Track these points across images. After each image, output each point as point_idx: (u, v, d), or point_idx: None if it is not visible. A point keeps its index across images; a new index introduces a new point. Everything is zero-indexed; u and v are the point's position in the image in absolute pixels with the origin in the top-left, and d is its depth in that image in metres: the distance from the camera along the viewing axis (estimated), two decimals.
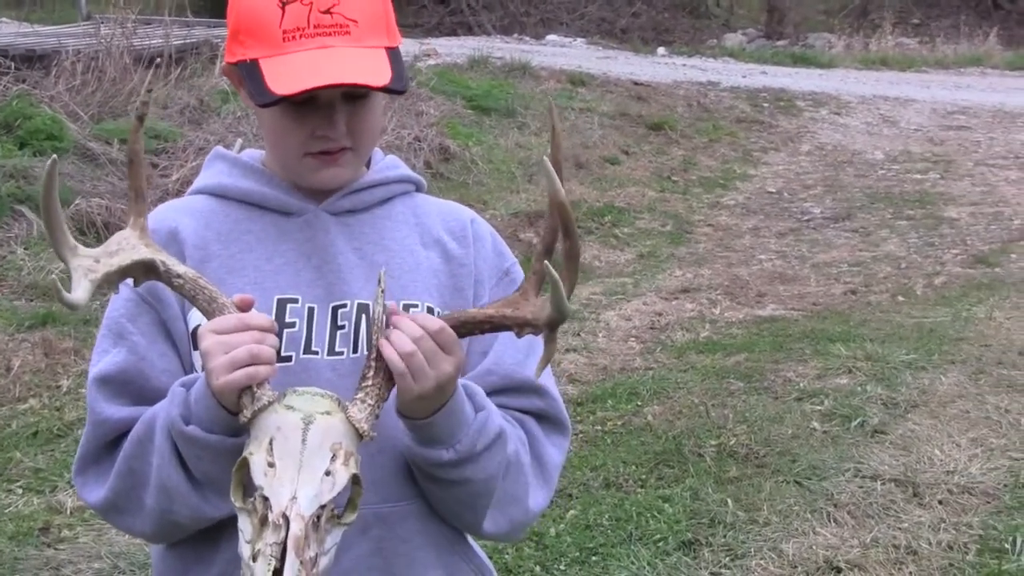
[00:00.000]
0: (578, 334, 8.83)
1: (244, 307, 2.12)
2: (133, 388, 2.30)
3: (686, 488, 6.13)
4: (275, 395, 2.05)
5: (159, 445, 2.19)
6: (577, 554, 5.53)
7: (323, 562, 1.98)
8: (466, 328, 2.18)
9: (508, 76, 17.75)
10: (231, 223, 2.39)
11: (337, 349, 2.33)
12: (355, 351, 2.34)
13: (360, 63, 2.21)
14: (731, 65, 24.38)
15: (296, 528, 1.93)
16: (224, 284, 2.24)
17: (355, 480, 2.03)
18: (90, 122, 11.58)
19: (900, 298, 9.93)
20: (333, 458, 2.00)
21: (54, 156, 2.04)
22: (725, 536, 5.65)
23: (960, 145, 17.45)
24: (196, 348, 2.27)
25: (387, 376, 2.11)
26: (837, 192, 14.76)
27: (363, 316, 2.35)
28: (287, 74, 2.18)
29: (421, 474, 2.29)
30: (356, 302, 2.35)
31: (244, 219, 2.39)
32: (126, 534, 2.44)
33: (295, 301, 2.32)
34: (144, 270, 2.07)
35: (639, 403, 7.35)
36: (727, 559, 5.48)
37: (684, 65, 23.38)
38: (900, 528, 5.69)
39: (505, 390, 2.41)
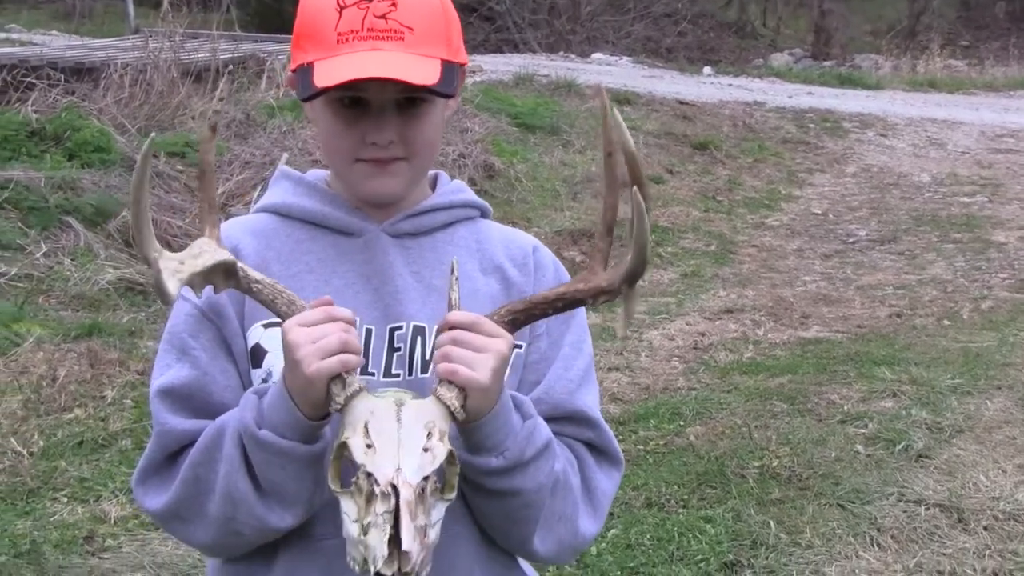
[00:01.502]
0: (621, 353, 8.82)
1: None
2: (196, 402, 2.31)
3: (728, 509, 6.11)
4: (365, 382, 2.08)
5: (228, 452, 2.21)
6: (618, 573, 5.52)
7: (432, 534, 2.01)
8: (539, 309, 2.19)
9: (553, 94, 17.80)
10: (292, 243, 2.41)
11: (393, 371, 2.34)
12: (410, 373, 2.35)
13: (408, 65, 2.21)
14: (777, 85, 24.34)
15: (406, 493, 1.95)
16: None
17: (451, 459, 2.06)
18: (137, 135, 11.67)
19: (946, 322, 9.87)
20: (429, 435, 2.03)
21: (150, 139, 2.03)
22: (767, 558, 5.63)
23: (1008, 168, 17.35)
24: (255, 366, 2.32)
25: None
26: (883, 214, 14.71)
27: (418, 338, 2.36)
28: (333, 72, 2.19)
29: (470, 487, 2.28)
30: (412, 324, 2.36)
31: (305, 239, 2.41)
32: (183, 543, 2.44)
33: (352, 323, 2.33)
34: (225, 273, 2.08)
35: (681, 423, 7.34)
36: None
37: (730, 85, 23.35)
38: (944, 554, 5.65)
39: (556, 419, 2.40)
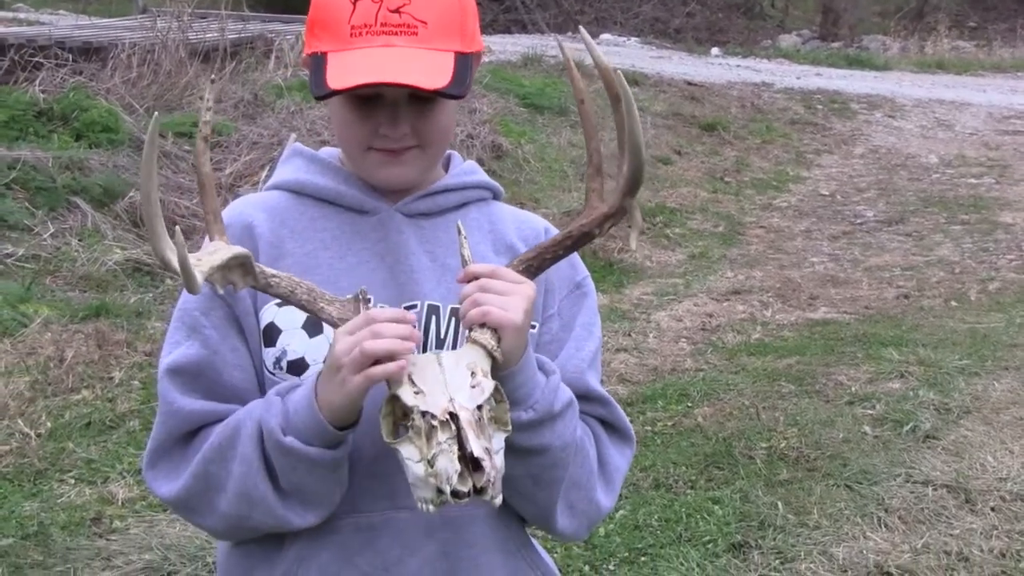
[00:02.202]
0: (629, 334, 8.82)
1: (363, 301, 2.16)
2: (205, 381, 2.30)
3: (736, 490, 6.10)
4: None
5: (245, 453, 2.20)
6: (626, 554, 5.51)
7: (497, 460, 2.03)
8: (550, 252, 2.22)
9: (561, 74, 17.75)
10: (306, 220, 2.40)
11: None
12: (424, 351, 2.32)
13: (419, 64, 2.19)
14: (785, 66, 24.28)
15: (465, 415, 1.99)
16: None
17: (498, 395, 2.08)
18: (145, 115, 11.65)
19: (953, 303, 9.86)
20: (472, 374, 2.06)
21: (153, 122, 2.03)
22: (775, 539, 5.62)
23: (1016, 150, 17.32)
24: (268, 345, 2.32)
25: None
26: (891, 196, 14.68)
27: (433, 317, 2.36)
28: (346, 69, 2.18)
29: None
30: (426, 303, 2.36)
31: (319, 217, 2.40)
32: (193, 527, 2.44)
33: (367, 300, 2.32)
34: (242, 268, 2.07)
35: (689, 404, 7.33)
36: (777, 562, 5.44)
37: (738, 66, 23.31)
38: (951, 534, 5.63)
39: None
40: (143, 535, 5.55)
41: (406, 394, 2.03)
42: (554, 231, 2.54)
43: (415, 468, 2.00)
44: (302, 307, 2.13)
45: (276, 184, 2.48)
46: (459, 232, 2.25)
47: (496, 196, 2.58)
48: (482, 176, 2.55)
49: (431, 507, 2.00)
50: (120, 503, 5.82)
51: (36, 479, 6.04)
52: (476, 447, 1.96)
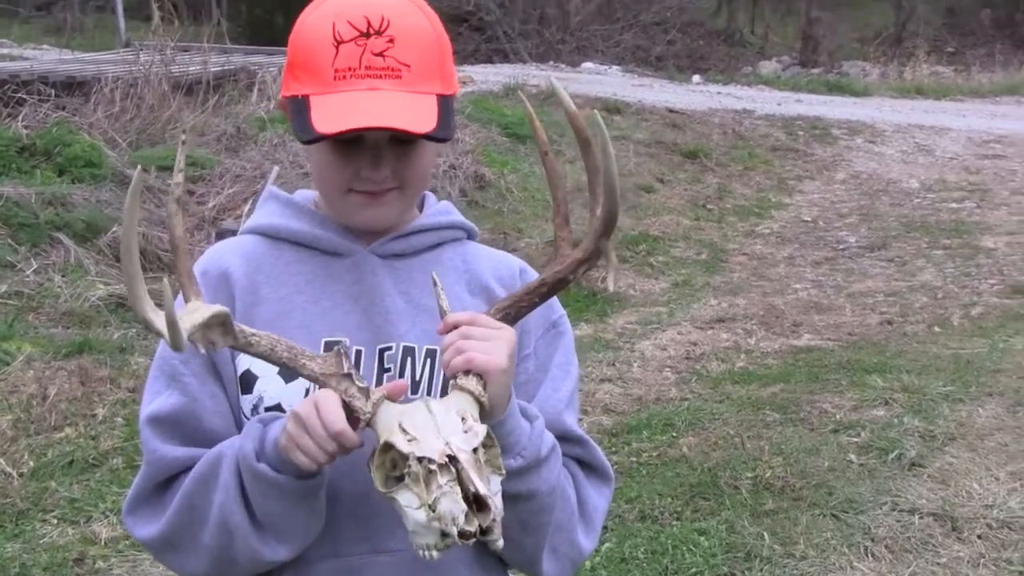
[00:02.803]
0: (613, 364, 8.79)
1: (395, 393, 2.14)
2: (186, 429, 2.31)
3: (722, 521, 6.07)
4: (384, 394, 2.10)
5: (225, 481, 2.21)
6: None
7: (498, 501, 2.02)
8: (526, 300, 2.23)
9: (544, 104, 17.74)
10: (281, 265, 2.40)
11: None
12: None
13: (406, 108, 2.19)
14: (766, 93, 24.35)
15: (464, 457, 1.98)
16: (273, 327, 2.23)
17: (489, 440, 2.07)
18: (128, 149, 11.66)
19: (936, 329, 9.84)
20: (463, 420, 2.05)
21: (136, 177, 2.02)
22: (762, 570, 5.60)
23: (996, 174, 17.36)
24: (245, 392, 2.33)
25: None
26: (872, 221, 14.69)
27: (408, 358, 2.36)
28: (332, 113, 2.18)
29: None
30: (402, 344, 2.37)
31: (294, 261, 2.40)
32: (176, 574, 2.43)
33: (347, 355, 2.29)
34: (222, 327, 2.06)
35: (674, 434, 7.30)
36: None
37: (719, 93, 23.35)
38: (938, 563, 5.61)
39: None
40: (127, 575, 5.50)
41: (399, 441, 2.01)
42: (529, 270, 2.57)
43: (416, 515, 1.98)
44: (283, 365, 2.12)
45: (252, 228, 2.48)
46: (435, 284, 2.24)
47: (470, 236, 2.57)
48: (456, 216, 2.55)
49: (435, 552, 1.99)
50: (103, 543, 5.77)
51: (18, 519, 5.99)
52: (481, 486, 1.96)
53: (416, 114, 2.20)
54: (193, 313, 2.03)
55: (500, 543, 2.00)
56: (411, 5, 2.29)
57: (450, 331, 2.15)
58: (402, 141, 2.26)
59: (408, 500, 1.99)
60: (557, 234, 2.23)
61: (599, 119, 2.08)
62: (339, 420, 2.05)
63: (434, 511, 1.95)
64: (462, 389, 2.09)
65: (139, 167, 2.17)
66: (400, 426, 2.03)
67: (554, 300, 2.50)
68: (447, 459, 1.97)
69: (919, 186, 16.68)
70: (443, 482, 1.95)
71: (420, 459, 1.98)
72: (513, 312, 2.21)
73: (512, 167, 14.39)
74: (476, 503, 1.96)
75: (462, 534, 1.95)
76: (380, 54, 2.20)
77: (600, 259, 2.20)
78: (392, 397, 2.11)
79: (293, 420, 2.09)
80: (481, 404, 2.10)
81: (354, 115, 2.16)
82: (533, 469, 2.26)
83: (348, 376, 2.09)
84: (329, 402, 2.07)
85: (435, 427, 2.02)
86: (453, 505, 1.94)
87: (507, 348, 2.15)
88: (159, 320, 1.97)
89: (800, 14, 41.26)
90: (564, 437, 2.43)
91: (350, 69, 2.20)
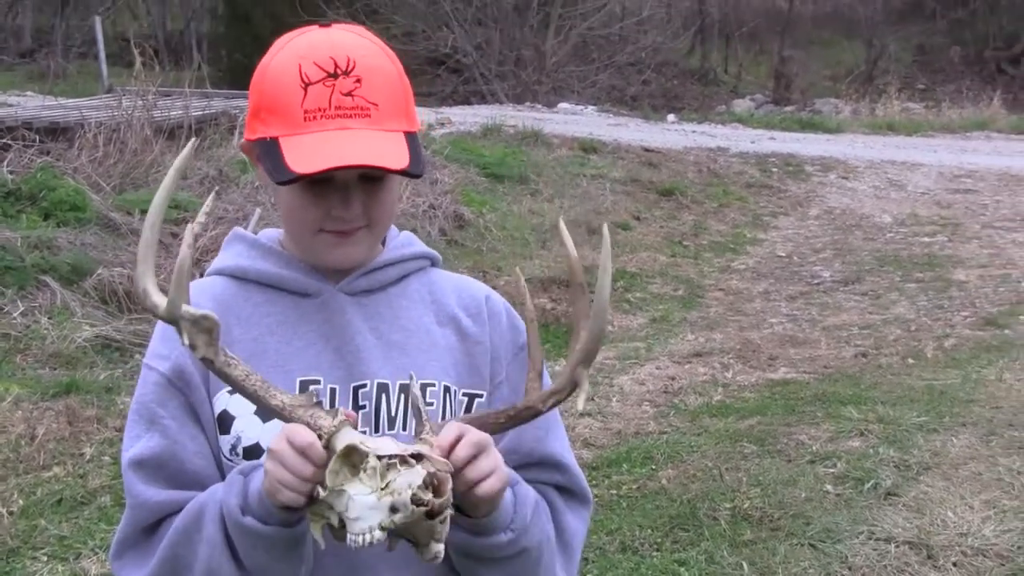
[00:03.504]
0: (592, 399, 8.80)
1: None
2: (168, 472, 2.29)
3: (701, 552, 6.09)
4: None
5: (210, 535, 2.19)
6: None
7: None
8: (492, 419, 2.20)
9: (521, 144, 17.86)
10: (251, 307, 2.39)
11: (359, 429, 2.30)
12: (376, 430, 2.35)
13: (378, 146, 2.20)
14: (740, 131, 24.46)
15: (426, 451, 2.01)
16: None
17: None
18: (112, 193, 11.65)
19: (910, 360, 9.89)
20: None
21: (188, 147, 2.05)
22: None
23: (967, 208, 17.47)
24: (223, 432, 2.31)
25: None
26: (846, 255, 14.76)
27: (383, 395, 2.36)
28: (306, 153, 2.17)
29: (476, 561, 2.29)
30: (376, 382, 2.36)
31: (263, 302, 2.40)
32: None
33: (317, 382, 2.32)
34: (208, 334, 2.06)
35: (653, 467, 7.32)
36: None
37: (694, 131, 23.47)
38: None
39: (527, 466, 2.43)
40: None
41: (360, 443, 2.00)
42: (495, 296, 2.58)
43: (364, 499, 1.96)
44: (253, 395, 2.11)
45: (218, 270, 2.47)
46: (411, 380, 2.24)
47: (434, 263, 2.58)
48: (419, 246, 2.55)
49: (376, 534, 1.97)
50: None
51: (9, 557, 5.98)
52: (443, 465, 1.98)
53: (388, 151, 2.21)
54: (191, 306, 2.04)
55: (441, 548, 2.02)
56: (373, 46, 2.30)
57: (448, 452, 2.10)
58: (371, 179, 2.27)
59: (358, 490, 1.97)
60: (530, 385, 2.22)
61: (607, 237, 2.13)
62: (306, 435, 2.03)
63: (386, 488, 1.94)
64: (425, 442, 2.08)
65: (193, 140, 2.20)
66: (362, 442, 2.02)
67: (519, 322, 2.54)
68: (412, 455, 1.97)
69: (892, 221, 16.78)
70: (402, 469, 1.96)
71: (381, 456, 1.97)
72: (476, 427, 2.18)
73: (491, 206, 14.44)
74: (433, 491, 1.97)
75: (415, 500, 1.94)
76: (349, 94, 2.21)
77: (575, 391, 2.19)
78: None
79: (269, 458, 2.08)
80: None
81: (329, 155, 2.17)
82: (522, 534, 2.27)
83: (318, 404, 2.09)
84: (295, 427, 2.05)
85: (394, 441, 2.03)
86: (412, 475, 1.95)
87: (497, 455, 2.17)
88: (156, 295, 1.99)
89: (772, 53, 41.54)
90: (544, 463, 2.46)
91: (320, 110, 2.20)
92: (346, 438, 2.03)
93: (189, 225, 2.11)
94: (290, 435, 2.05)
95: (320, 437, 2.04)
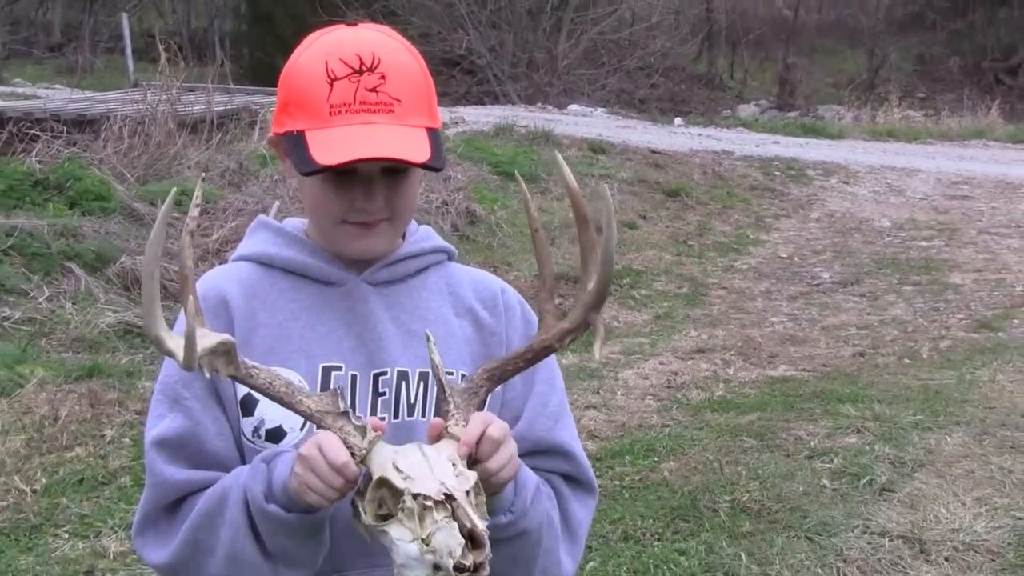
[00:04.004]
0: (597, 391, 8.80)
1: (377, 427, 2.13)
2: (189, 451, 2.30)
3: (701, 542, 6.08)
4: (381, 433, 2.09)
5: (233, 518, 2.20)
6: None
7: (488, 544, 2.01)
8: (511, 365, 2.21)
9: (532, 143, 17.84)
10: (276, 292, 2.40)
11: (379, 415, 2.34)
12: (396, 416, 2.36)
13: (401, 140, 2.21)
14: (744, 135, 24.42)
15: (461, 496, 1.97)
16: (273, 352, 2.27)
17: (478, 488, 2.06)
18: (136, 184, 11.68)
19: (907, 361, 9.88)
20: (454, 465, 2.05)
21: (168, 200, 2.05)
22: None
23: (964, 214, 17.43)
24: (246, 415, 2.32)
25: (466, 409, 2.15)
26: (846, 258, 14.74)
27: (403, 383, 2.37)
28: (331, 146, 2.19)
29: None
30: (396, 369, 2.37)
31: (288, 288, 2.40)
32: None
33: (339, 369, 2.33)
34: (226, 355, 2.07)
35: (656, 459, 7.31)
36: None
37: (700, 135, 23.42)
38: None
39: (536, 453, 2.43)
40: None
41: (394, 477, 2.01)
42: (510, 290, 2.60)
43: (408, 548, 1.97)
44: (279, 400, 2.12)
45: (244, 256, 2.48)
46: (428, 339, 2.23)
47: (451, 257, 2.59)
48: (438, 240, 2.56)
49: None
50: (112, 557, 5.77)
51: (32, 534, 5.99)
52: (479, 522, 1.96)
53: (410, 145, 2.22)
54: (203, 339, 2.03)
55: None
56: (398, 44, 2.31)
57: (474, 447, 2.12)
58: (394, 172, 2.28)
59: (401, 534, 1.98)
60: (542, 307, 2.22)
61: (606, 192, 2.12)
62: (341, 454, 2.05)
63: (428, 544, 1.94)
64: (452, 437, 2.10)
65: (172, 192, 2.20)
66: (394, 464, 2.02)
67: (534, 317, 2.52)
68: (443, 496, 1.96)
69: (890, 225, 16.75)
70: (439, 517, 1.94)
71: (416, 495, 1.97)
72: (498, 374, 2.21)
73: (502, 204, 14.44)
74: (471, 540, 1.96)
75: (457, 567, 1.93)
76: (373, 89, 2.23)
77: (588, 330, 2.20)
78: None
79: (300, 462, 2.09)
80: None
81: (353, 147, 2.18)
82: (521, 516, 2.28)
83: (344, 414, 2.09)
84: (330, 440, 2.06)
85: (429, 468, 2.01)
86: (450, 538, 1.93)
87: (512, 444, 2.19)
88: (171, 341, 1.99)
89: (777, 60, 41.52)
90: (553, 452, 2.46)
91: (345, 105, 2.22)
92: (379, 460, 2.05)
93: (189, 273, 2.13)
94: (324, 448, 2.07)
95: (353, 455, 2.05)
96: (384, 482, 2.02)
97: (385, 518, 2.01)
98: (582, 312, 2.17)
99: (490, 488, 2.16)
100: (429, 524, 1.95)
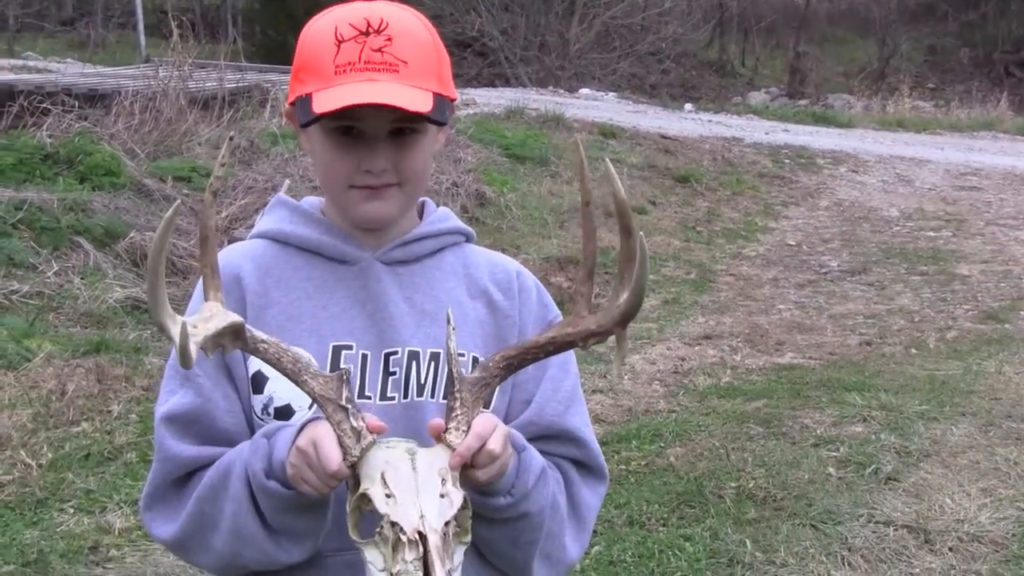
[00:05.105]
0: (604, 376, 8.79)
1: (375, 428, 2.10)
2: (199, 428, 2.30)
3: (706, 528, 6.07)
4: (375, 437, 2.07)
5: (236, 493, 2.20)
6: None
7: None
8: (531, 354, 2.18)
9: (543, 127, 17.80)
10: (290, 270, 2.39)
11: (389, 394, 2.33)
12: (406, 396, 2.35)
13: (402, 95, 2.20)
14: (754, 122, 24.39)
15: (435, 539, 1.95)
16: (284, 330, 2.25)
17: (464, 503, 2.05)
18: (146, 159, 11.66)
19: (913, 351, 9.86)
20: (443, 482, 2.03)
21: (173, 208, 2.03)
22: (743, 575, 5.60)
23: (972, 205, 17.39)
24: (256, 392, 2.32)
25: (474, 404, 2.12)
26: (854, 247, 14.71)
27: (413, 363, 2.35)
28: (330, 100, 2.19)
29: (478, 519, 2.23)
30: (407, 349, 2.36)
31: (303, 266, 2.39)
32: (191, 566, 2.43)
33: (350, 348, 2.32)
34: (233, 335, 2.05)
35: (662, 444, 7.30)
36: None
37: (710, 121, 23.38)
38: (912, 573, 5.63)
39: (546, 438, 2.41)
40: (139, 564, 5.51)
41: (377, 496, 2.00)
42: (526, 273, 2.57)
43: (376, 575, 1.99)
44: (286, 375, 2.11)
45: (261, 233, 2.48)
46: (448, 321, 2.21)
47: (468, 239, 2.58)
48: (455, 222, 2.55)
49: None
50: (117, 532, 5.77)
51: (37, 508, 5.99)
52: (440, 573, 1.94)
53: (411, 100, 2.20)
54: (209, 321, 2.02)
55: None
56: (409, 14, 2.31)
57: (469, 457, 2.10)
58: (399, 134, 2.27)
59: (374, 558, 2.00)
60: (578, 288, 2.18)
61: (643, 242, 2.08)
62: (333, 459, 2.04)
63: None
64: (449, 445, 2.07)
65: (177, 202, 2.19)
66: (383, 477, 2.02)
67: (550, 300, 2.54)
68: (417, 535, 1.95)
69: (899, 214, 16.71)
70: (409, 558, 1.94)
71: (393, 524, 1.97)
72: (517, 362, 2.18)
73: (512, 186, 14.40)
74: None
75: None
76: (379, 50, 2.22)
77: (610, 338, 2.15)
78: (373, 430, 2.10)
79: (296, 454, 2.10)
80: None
81: (351, 99, 2.18)
82: (522, 499, 2.27)
83: (345, 409, 2.07)
84: (325, 440, 2.06)
85: (415, 488, 2.00)
86: None
87: (508, 451, 2.19)
88: (175, 327, 1.96)
89: (788, 48, 41.44)
90: (563, 437, 2.44)
91: (350, 64, 2.21)
92: (369, 468, 2.05)
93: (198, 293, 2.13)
94: (319, 447, 2.07)
95: (346, 457, 2.04)
96: (364, 498, 2.03)
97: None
98: (610, 322, 2.12)
99: (478, 489, 2.16)
100: (399, 561, 1.95)
